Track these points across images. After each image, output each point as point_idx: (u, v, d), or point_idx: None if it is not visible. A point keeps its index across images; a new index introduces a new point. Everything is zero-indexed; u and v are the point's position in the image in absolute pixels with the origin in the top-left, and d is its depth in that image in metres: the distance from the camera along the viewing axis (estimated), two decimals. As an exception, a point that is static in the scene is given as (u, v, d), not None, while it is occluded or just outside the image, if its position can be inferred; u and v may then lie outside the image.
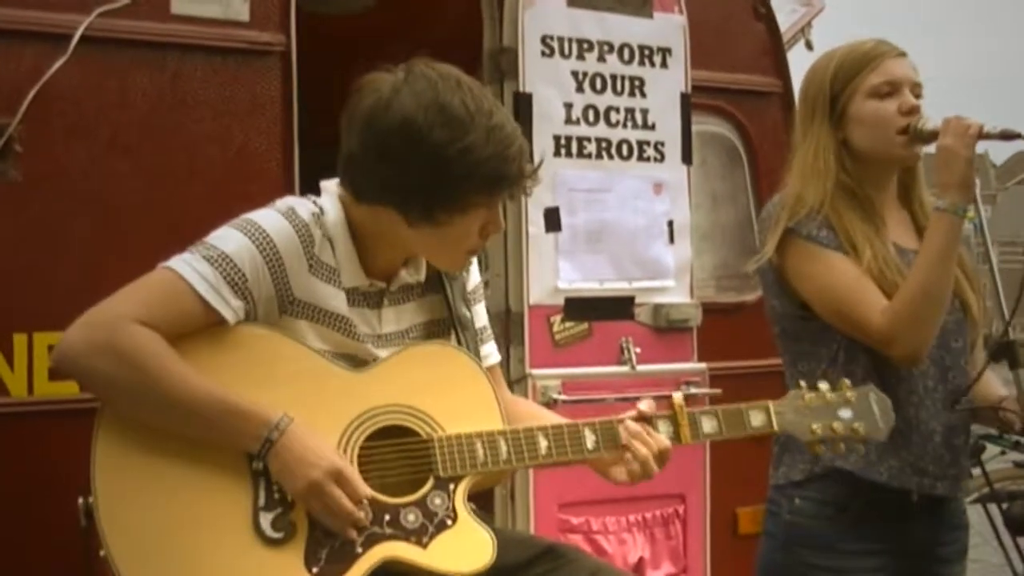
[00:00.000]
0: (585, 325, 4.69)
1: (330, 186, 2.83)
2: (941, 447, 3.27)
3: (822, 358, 3.27)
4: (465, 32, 4.63)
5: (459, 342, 2.92)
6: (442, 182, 2.66)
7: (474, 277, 3.03)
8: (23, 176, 3.73)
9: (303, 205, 2.79)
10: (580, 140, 4.70)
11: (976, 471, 3.81)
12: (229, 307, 2.66)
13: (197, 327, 2.66)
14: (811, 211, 3.24)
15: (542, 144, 4.55)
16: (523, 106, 4.53)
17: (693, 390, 4.63)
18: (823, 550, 3.28)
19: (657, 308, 4.81)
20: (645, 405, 2.88)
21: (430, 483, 2.73)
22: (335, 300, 2.77)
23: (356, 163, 2.73)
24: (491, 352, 3.05)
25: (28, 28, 3.76)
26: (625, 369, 4.70)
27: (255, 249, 2.69)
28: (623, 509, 4.66)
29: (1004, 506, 4.17)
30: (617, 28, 4.77)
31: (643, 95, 4.83)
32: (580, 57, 4.70)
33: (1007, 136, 3.21)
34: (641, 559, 4.71)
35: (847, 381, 3.00)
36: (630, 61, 4.80)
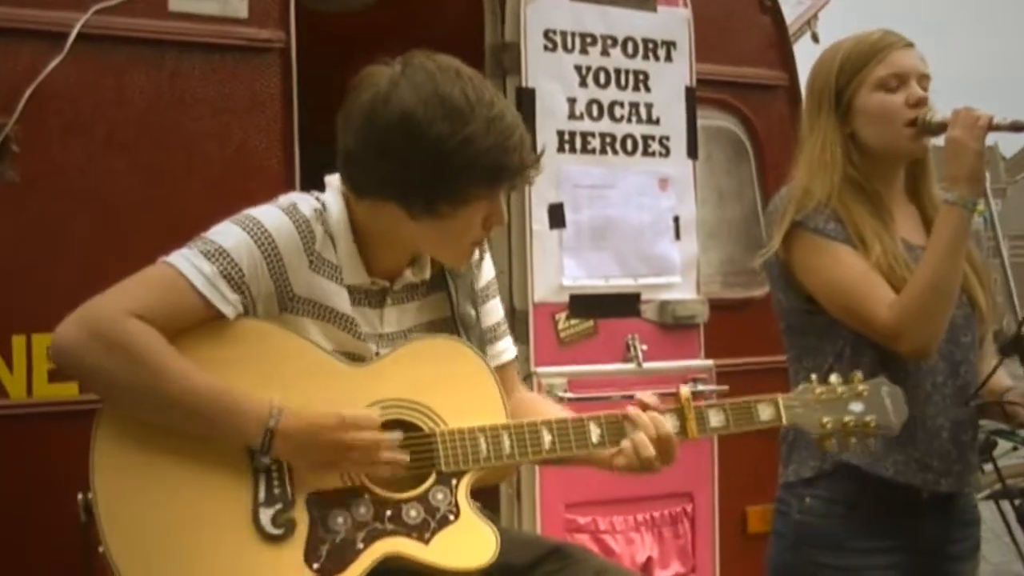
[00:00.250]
0: (590, 322, 4.69)
1: (334, 181, 2.83)
2: (948, 443, 3.26)
3: (828, 353, 3.26)
4: (466, 27, 4.63)
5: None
6: (443, 174, 2.65)
7: (486, 274, 3.01)
8: (20, 176, 3.74)
9: (306, 201, 2.78)
10: (584, 135, 4.70)
11: (988, 467, 3.80)
12: (226, 301, 2.66)
13: (194, 322, 2.66)
14: (819, 204, 3.23)
15: (545, 140, 4.55)
16: (526, 101, 4.52)
17: (700, 387, 4.63)
18: (834, 549, 3.27)
19: (663, 305, 4.81)
20: (646, 396, 2.86)
21: (432, 478, 2.73)
22: (338, 298, 2.77)
23: (355, 160, 2.72)
24: (506, 348, 3.04)
25: (24, 26, 3.77)
26: (631, 367, 4.70)
27: (253, 245, 2.68)
28: (631, 508, 4.66)
29: (1016, 502, 4.16)
30: (620, 22, 4.77)
31: (647, 89, 4.83)
32: (583, 51, 4.70)
33: (1017, 128, 3.20)
34: (649, 559, 4.71)
35: (859, 374, 2.99)
36: (634, 55, 4.80)
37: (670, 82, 4.88)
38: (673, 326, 4.82)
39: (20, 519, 3.63)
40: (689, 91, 4.92)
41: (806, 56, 5.14)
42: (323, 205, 2.78)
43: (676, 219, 4.87)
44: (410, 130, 2.64)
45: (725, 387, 4.66)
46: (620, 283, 4.76)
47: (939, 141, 3.27)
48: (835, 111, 3.29)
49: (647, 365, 4.71)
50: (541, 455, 2.79)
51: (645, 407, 2.82)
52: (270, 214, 2.74)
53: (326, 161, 2.83)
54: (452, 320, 2.92)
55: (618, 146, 4.77)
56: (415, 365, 2.78)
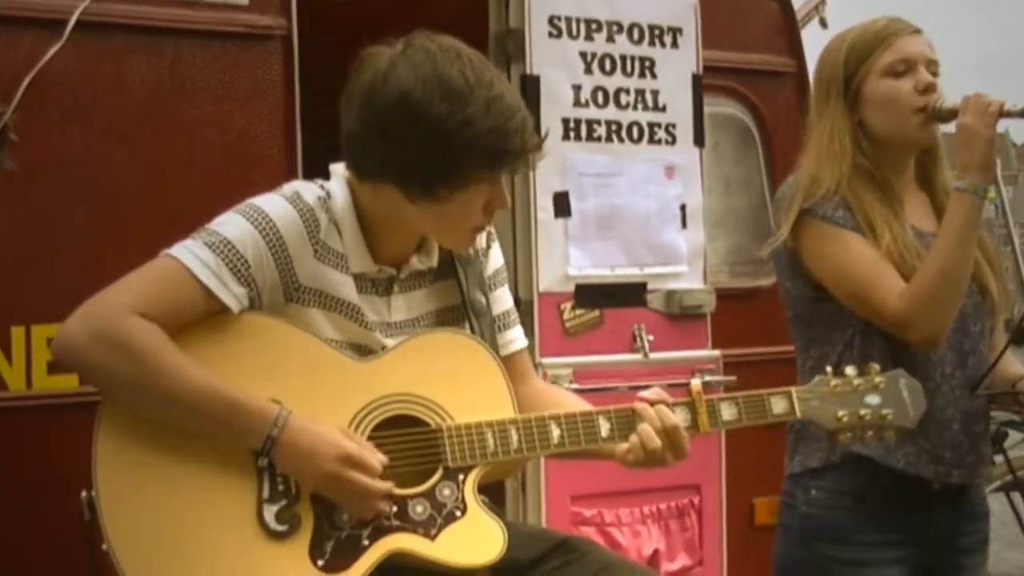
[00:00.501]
0: (596, 312, 4.69)
1: (339, 169, 2.82)
2: (959, 434, 3.26)
3: (836, 342, 3.25)
4: (470, 14, 4.61)
5: (472, 329, 2.90)
6: (442, 157, 2.64)
7: (494, 261, 3.00)
8: (19, 165, 3.74)
9: (309, 190, 2.78)
10: (589, 123, 4.69)
11: (998, 459, 3.80)
12: (231, 294, 2.66)
13: (199, 315, 2.65)
14: (827, 192, 3.22)
15: (550, 127, 4.54)
16: (531, 89, 4.52)
17: (707, 378, 4.62)
18: (841, 542, 3.27)
19: (670, 294, 4.80)
20: (651, 392, 2.86)
21: (439, 473, 2.72)
22: (344, 287, 2.76)
23: (356, 141, 2.72)
24: (516, 337, 3.02)
25: (23, 13, 3.77)
26: (638, 357, 4.70)
27: (258, 235, 2.68)
28: (637, 501, 4.66)
29: (1028, 494, 4.16)
30: (626, 7, 4.77)
31: (653, 76, 4.83)
32: (588, 38, 4.69)
33: (1028, 114, 3.19)
34: (656, 551, 4.71)
35: (875, 366, 2.97)
36: (640, 41, 4.79)
37: (676, 69, 4.87)
38: (680, 316, 4.81)
39: (20, 511, 3.63)
40: (696, 78, 4.92)
41: (814, 42, 5.15)
42: (327, 193, 2.78)
43: (683, 208, 4.87)
44: (408, 111, 2.63)
45: (733, 378, 4.66)
46: (626, 272, 4.76)
47: (949, 128, 3.27)
48: (843, 99, 3.29)
49: (653, 356, 4.71)
50: (549, 449, 2.78)
51: (652, 404, 2.82)
52: (274, 203, 2.73)
53: (328, 149, 2.83)
54: (463, 307, 2.91)
55: (624, 134, 4.77)
56: (421, 359, 2.77)
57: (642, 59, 4.80)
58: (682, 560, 4.79)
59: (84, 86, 3.85)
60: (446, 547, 2.67)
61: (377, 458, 2.66)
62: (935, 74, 3.28)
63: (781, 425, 3.20)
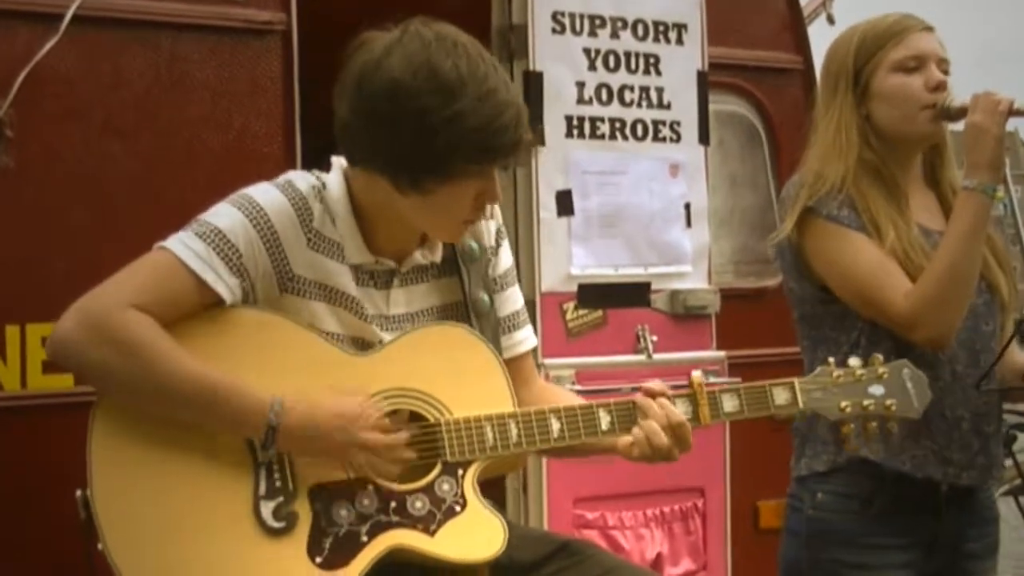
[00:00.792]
0: (600, 313, 4.69)
1: (338, 160, 2.82)
2: (969, 434, 3.26)
3: (843, 343, 3.25)
4: (472, 9, 4.60)
5: (473, 329, 2.90)
6: (429, 149, 2.63)
7: (504, 261, 2.99)
8: (14, 162, 3.74)
9: (303, 178, 2.79)
10: (593, 120, 4.69)
11: (1007, 462, 3.79)
12: (224, 284, 2.66)
13: (194, 307, 2.66)
14: (832, 189, 3.23)
15: (553, 125, 4.54)
16: (533, 85, 4.52)
17: (712, 379, 4.61)
18: (848, 546, 3.27)
19: (674, 294, 4.80)
20: (653, 384, 2.85)
21: (438, 468, 2.73)
22: (341, 277, 2.76)
23: (347, 127, 2.72)
24: (525, 338, 3.02)
25: (18, 7, 3.76)
26: (641, 358, 4.70)
27: (249, 224, 2.68)
28: (640, 503, 4.66)
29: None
30: (631, 3, 4.77)
31: (658, 73, 4.82)
32: (592, 34, 4.69)
33: (1039, 112, 3.19)
34: (659, 555, 4.71)
35: (879, 356, 2.96)
36: (644, 37, 4.79)
37: (681, 66, 4.87)
38: (684, 316, 4.81)
39: (15, 512, 3.63)
40: (701, 75, 4.91)
41: (821, 39, 5.12)
42: (322, 183, 2.78)
43: (687, 206, 4.86)
44: (397, 100, 2.63)
45: (737, 379, 4.65)
46: (630, 272, 4.75)
47: (958, 126, 3.27)
48: (852, 92, 3.29)
49: (657, 356, 4.71)
50: (549, 443, 2.78)
51: (654, 395, 2.81)
52: (266, 192, 2.74)
53: (328, 146, 2.83)
54: (464, 305, 2.91)
55: (628, 131, 4.76)
56: (420, 353, 2.77)
57: (647, 56, 4.80)
58: (686, 564, 4.79)
59: (80, 81, 3.85)
60: (446, 543, 2.68)
61: (378, 408, 2.66)
62: (946, 72, 3.29)
63: (786, 423, 3.19)
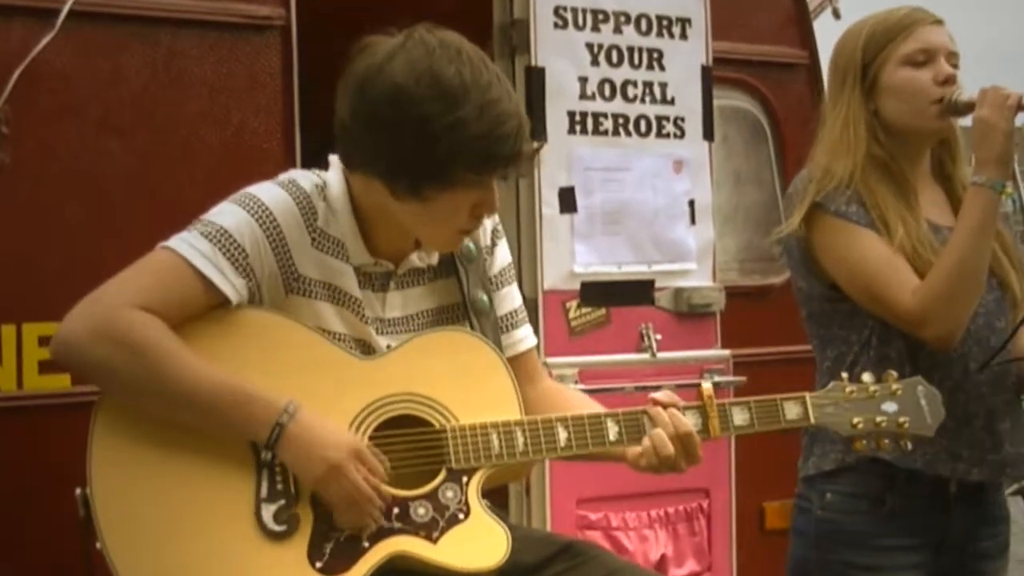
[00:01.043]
0: (603, 311, 4.68)
1: (337, 160, 2.82)
2: (981, 431, 3.25)
3: (853, 343, 3.25)
4: (473, 3, 4.60)
5: (473, 329, 2.89)
6: (429, 156, 2.62)
7: (501, 259, 2.99)
8: (10, 159, 3.73)
9: (306, 177, 2.78)
10: (596, 116, 4.68)
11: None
12: (230, 284, 2.66)
13: (199, 308, 2.66)
14: (840, 185, 3.22)
15: (556, 121, 4.53)
16: (535, 81, 4.51)
17: (717, 378, 4.61)
18: (858, 547, 3.26)
19: (678, 292, 4.80)
20: (662, 394, 2.85)
21: (442, 475, 2.72)
22: (346, 276, 2.76)
23: (347, 131, 2.72)
24: (524, 336, 3.02)
25: (14, 2, 3.75)
26: (645, 357, 4.70)
27: (255, 223, 2.68)
28: (644, 504, 4.66)
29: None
30: (634, -2, 4.76)
31: (662, 68, 4.81)
32: (595, 28, 4.68)
33: (1048, 107, 3.18)
34: (663, 556, 4.71)
35: (893, 373, 2.96)
36: (648, 32, 4.78)
37: (685, 61, 4.86)
38: (688, 314, 4.80)
39: (13, 515, 3.62)
40: (705, 70, 4.90)
41: (827, 33, 5.12)
42: (324, 182, 2.78)
43: (691, 203, 4.86)
44: (399, 106, 2.62)
45: (743, 378, 4.66)
46: (633, 270, 4.75)
47: (967, 121, 3.26)
48: (860, 86, 3.29)
49: (661, 355, 4.70)
50: (556, 453, 2.78)
51: (664, 406, 2.80)
52: (269, 191, 2.74)
53: (328, 144, 2.82)
54: (463, 306, 2.90)
55: (631, 127, 4.76)
56: (426, 358, 2.77)
57: (650, 50, 4.79)
58: (690, 565, 4.78)
59: (77, 78, 3.84)
60: (448, 551, 2.67)
61: (381, 464, 2.66)
62: (955, 66, 3.28)
63: (795, 429, 3.19)
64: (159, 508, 2.60)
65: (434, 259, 2.89)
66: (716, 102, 4.96)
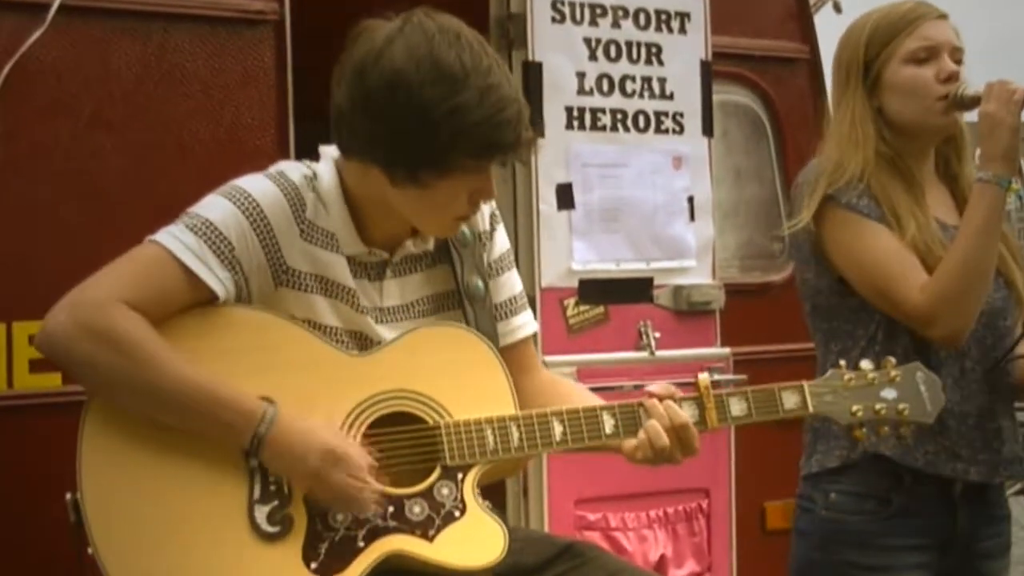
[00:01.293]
0: (601, 309, 4.68)
1: (328, 151, 2.81)
2: (973, 430, 3.25)
3: (859, 338, 3.24)
4: (470, -3, 4.60)
5: (467, 316, 2.88)
6: (429, 142, 2.62)
7: (499, 245, 2.97)
8: (1, 155, 3.71)
9: (295, 168, 2.78)
10: (594, 111, 4.68)
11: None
12: (216, 277, 2.64)
13: (186, 302, 2.64)
14: (852, 179, 3.21)
15: (553, 116, 4.53)
16: (533, 76, 4.51)
17: (717, 376, 4.60)
18: (863, 547, 3.25)
19: (677, 290, 4.79)
20: (659, 386, 2.84)
21: (437, 472, 2.71)
22: (337, 267, 2.75)
23: (343, 117, 2.70)
24: (524, 323, 3.00)
25: (3, -2, 3.74)
26: (644, 355, 4.69)
27: (241, 215, 2.67)
28: (643, 504, 4.65)
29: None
30: (632, -8, 4.75)
31: (660, 63, 4.81)
32: (593, 23, 4.68)
33: (1055, 102, 3.17)
34: (663, 557, 4.70)
35: (892, 359, 2.95)
36: (646, 27, 4.78)
37: (684, 55, 4.85)
38: (688, 312, 4.80)
39: (3, 516, 3.61)
40: (704, 65, 4.90)
41: (828, 28, 5.12)
42: (314, 173, 2.77)
43: (691, 200, 4.85)
44: (398, 92, 2.61)
45: (743, 376, 4.64)
46: (632, 267, 4.74)
47: (973, 116, 3.25)
48: (863, 84, 3.28)
49: (660, 353, 4.70)
50: (551, 447, 2.77)
51: (660, 398, 2.79)
52: (257, 183, 2.73)
53: (322, 139, 2.81)
54: (457, 293, 2.89)
55: (630, 123, 4.75)
56: (418, 354, 2.76)
57: (649, 45, 4.78)
58: (690, 566, 4.78)
59: (68, 73, 3.83)
60: (445, 549, 2.66)
61: (365, 457, 2.64)
62: (959, 61, 3.27)
63: (795, 424, 3.17)
64: (151, 511, 2.59)
65: (430, 244, 2.87)
66: (716, 97, 4.96)
